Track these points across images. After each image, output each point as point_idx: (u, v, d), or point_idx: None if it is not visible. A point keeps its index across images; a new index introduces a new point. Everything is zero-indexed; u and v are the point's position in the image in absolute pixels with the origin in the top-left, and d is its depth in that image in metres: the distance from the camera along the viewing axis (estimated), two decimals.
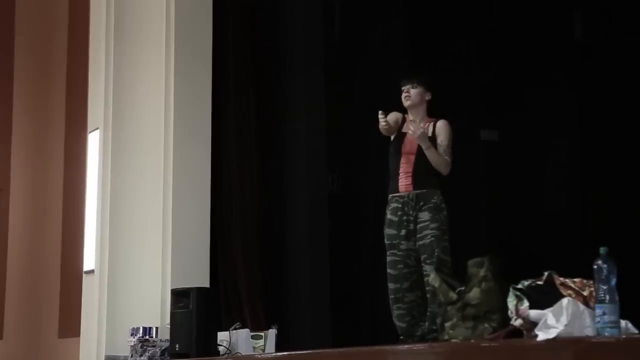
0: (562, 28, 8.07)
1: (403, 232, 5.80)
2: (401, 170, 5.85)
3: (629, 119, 7.40)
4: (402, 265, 5.78)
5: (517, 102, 7.97)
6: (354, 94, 7.95)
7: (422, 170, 5.79)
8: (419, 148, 5.81)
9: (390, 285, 5.81)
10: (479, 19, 7.95)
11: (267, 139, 7.77)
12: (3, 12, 9.94)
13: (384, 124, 5.82)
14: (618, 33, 7.70)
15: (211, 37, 7.70)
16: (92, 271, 7.66)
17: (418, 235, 5.73)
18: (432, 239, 5.67)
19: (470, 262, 4.85)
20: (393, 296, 5.80)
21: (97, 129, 7.87)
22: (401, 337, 5.73)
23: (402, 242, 5.80)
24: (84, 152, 8.17)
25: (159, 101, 7.55)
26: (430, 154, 5.77)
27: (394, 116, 5.98)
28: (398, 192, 5.86)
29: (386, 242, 5.86)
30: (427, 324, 5.64)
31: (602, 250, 3.45)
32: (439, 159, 5.78)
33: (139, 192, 7.57)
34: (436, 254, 5.63)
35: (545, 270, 4.01)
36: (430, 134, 5.85)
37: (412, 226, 5.77)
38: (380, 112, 5.84)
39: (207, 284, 7.11)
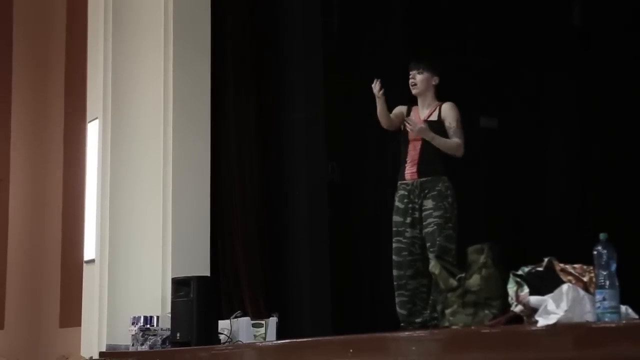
0: (561, 15, 8.08)
1: (408, 219, 5.79)
2: (408, 157, 5.84)
3: (629, 105, 7.41)
4: (406, 253, 5.77)
5: (516, 90, 7.98)
6: (353, 83, 7.95)
7: (428, 157, 5.77)
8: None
9: (394, 272, 5.81)
10: (478, 6, 7.95)
11: (267, 129, 7.77)
12: (1, 4, 9.92)
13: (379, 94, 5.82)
14: (617, 19, 7.70)
15: (210, 27, 7.69)
16: (92, 260, 7.67)
17: (424, 223, 5.72)
18: (435, 227, 5.66)
19: (470, 249, 4.85)
20: (396, 283, 5.80)
21: (96, 118, 7.87)
22: (402, 324, 5.73)
23: (407, 230, 5.79)
24: (84, 142, 8.17)
25: (158, 90, 7.55)
26: (438, 142, 5.75)
27: (398, 110, 5.99)
28: (405, 179, 5.85)
29: (393, 228, 5.85)
30: (428, 311, 5.63)
31: (602, 235, 3.45)
32: (448, 144, 5.75)
33: (139, 181, 7.57)
34: (437, 242, 5.62)
35: (546, 256, 4.01)
36: (436, 118, 5.83)
37: (417, 214, 5.76)
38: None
39: (207, 273, 7.12)
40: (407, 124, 5.77)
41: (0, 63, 9.92)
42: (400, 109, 5.98)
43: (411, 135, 5.86)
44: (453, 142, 5.75)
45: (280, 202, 7.62)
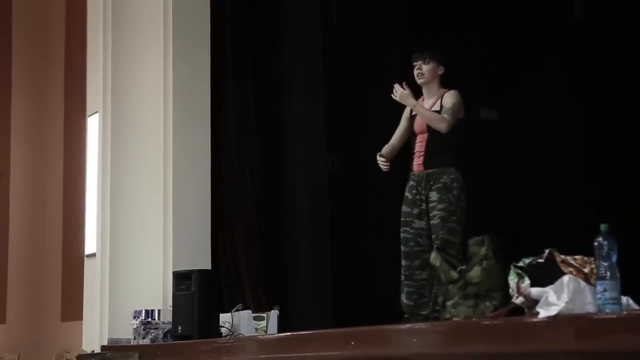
0: (561, 6, 8.07)
1: (416, 210, 5.78)
2: (415, 149, 5.84)
3: (630, 96, 7.41)
4: (413, 244, 5.76)
5: (516, 82, 7.97)
6: (352, 76, 7.95)
7: (434, 149, 5.76)
8: (429, 127, 5.79)
9: (402, 262, 5.80)
10: None
11: (267, 122, 7.78)
12: None
13: (384, 165, 5.89)
14: (616, 11, 7.70)
15: (209, 21, 7.69)
16: (93, 255, 7.68)
17: (430, 215, 5.72)
18: (439, 220, 5.66)
19: (471, 241, 4.85)
20: (404, 273, 5.79)
21: (96, 112, 7.87)
22: (405, 316, 5.73)
23: (415, 221, 5.78)
24: (84, 136, 8.18)
25: (158, 84, 7.55)
26: (420, 112, 5.75)
27: (405, 112, 5.98)
28: (413, 170, 5.86)
29: (401, 218, 5.85)
30: (431, 304, 5.63)
31: (602, 227, 3.45)
32: (430, 115, 5.73)
33: (139, 175, 7.57)
34: (440, 235, 5.61)
35: (546, 248, 4.02)
36: (439, 107, 5.81)
37: (424, 205, 5.75)
38: (379, 155, 5.91)
39: (208, 266, 7.13)
40: (395, 91, 5.77)
41: (0, 57, 9.92)
42: (406, 109, 5.98)
43: (418, 128, 5.86)
44: (435, 115, 5.74)
45: (280, 195, 7.62)
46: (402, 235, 5.81)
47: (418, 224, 5.77)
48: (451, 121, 5.71)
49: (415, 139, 5.87)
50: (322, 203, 7.46)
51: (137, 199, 7.56)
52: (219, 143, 7.67)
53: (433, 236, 5.66)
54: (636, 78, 7.30)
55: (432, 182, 5.72)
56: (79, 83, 8.62)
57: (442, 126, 5.70)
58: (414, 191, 5.80)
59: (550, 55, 7.96)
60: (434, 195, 5.69)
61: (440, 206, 5.65)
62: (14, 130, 9.89)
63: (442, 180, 5.69)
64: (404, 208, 5.83)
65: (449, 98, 5.78)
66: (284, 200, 7.59)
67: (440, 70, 5.88)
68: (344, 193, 7.81)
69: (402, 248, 5.80)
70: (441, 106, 5.79)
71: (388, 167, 5.92)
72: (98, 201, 7.65)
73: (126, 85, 7.75)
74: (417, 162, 5.81)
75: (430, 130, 5.78)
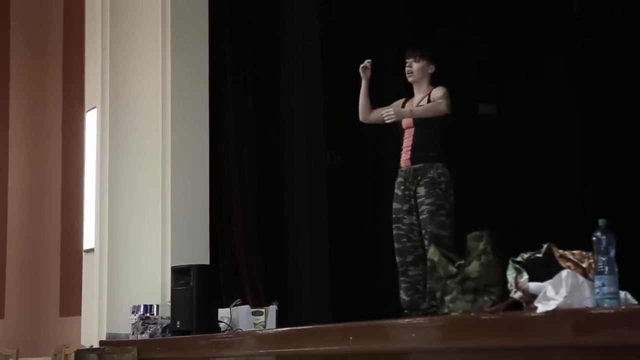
0: (560, 2, 8.06)
1: (406, 206, 5.79)
2: (403, 145, 5.86)
3: (628, 92, 7.41)
4: (405, 239, 5.78)
5: (515, 77, 7.97)
6: (351, 70, 7.92)
7: (421, 144, 5.77)
8: (416, 122, 5.80)
9: (397, 259, 5.82)
10: None
11: (265, 116, 7.77)
12: None
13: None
14: (616, 7, 7.69)
15: (207, 15, 7.68)
16: (92, 250, 7.68)
17: (419, 210, 5.73)
18: (427, 214, 5.67)
19: (470, 236, 4.85)
20: (399, 269, 5.80)
21: (94, 107, 7.87)
22: (405, 311, 5.73)
23: (405, 217, 5.79)
24: (82, 131, 8.17)
25: (156, 78, 7.54)
26: (417, 112, 5.74)
27: (394, 104, 5.95)
28: (401, 166, 5.87)
29: (392, 215, 5.87)
30: (427, 299, 5.63)
31: (601, 221, 3.45)
32: (427, 107, 5.74)
33: (138, 170, 7.57)
34: (429, 229, 5.63)
35: (545, 243, 4.01)
36: (426, 103, 5.82)
37: (413, 201, 5.76)
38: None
39: (207, 261, 7.13)
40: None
41: None
42: (397, 103, 5.97)
43: (405, 123, 5.87)
44: (430, 104, 5.74)
45: (279, 189, 7.62)
46: (394, 232, 5.83)
47: (409, 219, 5.78)
48: (448, 103, 5.70)
49: (402, 135, 5.88)
50: (320, 197, 7.46)
51: (136, 194, 7.55)
52: (217, 137, 7.66)
53: (423, 231, 5.68)
54: (635, 74, 7.30)
55: (419, 178, 5.73)
56: (77, 78, 8.60)
57: (441, 109, 5.69)
58: (403, 187, 5.82)
59: (550, 51, 7.95)
60: (421, 191, 5.71)
61: (427, 201, 5.66)
62: (12, 125, 9.87)
63: (429, 175, 5.70)
64: (395, 205, 5.84)
65: (437, 92, 5.79)
66: (283, 194, 7.59)
67: (431, 69, 5.89)
68: (343, 187, 7.81)
69: (395, 245, 5.82)
70: (429, 101, 5.79)
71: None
72: (96, 196, 7.64)
73: (124, 81, 7.74)
74: (405, 158, 5.82)
75: (417, 125, 5.79)
